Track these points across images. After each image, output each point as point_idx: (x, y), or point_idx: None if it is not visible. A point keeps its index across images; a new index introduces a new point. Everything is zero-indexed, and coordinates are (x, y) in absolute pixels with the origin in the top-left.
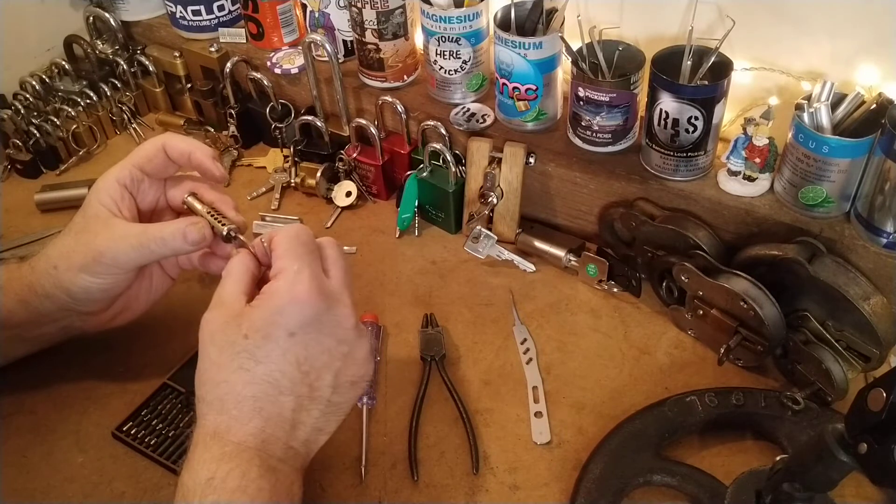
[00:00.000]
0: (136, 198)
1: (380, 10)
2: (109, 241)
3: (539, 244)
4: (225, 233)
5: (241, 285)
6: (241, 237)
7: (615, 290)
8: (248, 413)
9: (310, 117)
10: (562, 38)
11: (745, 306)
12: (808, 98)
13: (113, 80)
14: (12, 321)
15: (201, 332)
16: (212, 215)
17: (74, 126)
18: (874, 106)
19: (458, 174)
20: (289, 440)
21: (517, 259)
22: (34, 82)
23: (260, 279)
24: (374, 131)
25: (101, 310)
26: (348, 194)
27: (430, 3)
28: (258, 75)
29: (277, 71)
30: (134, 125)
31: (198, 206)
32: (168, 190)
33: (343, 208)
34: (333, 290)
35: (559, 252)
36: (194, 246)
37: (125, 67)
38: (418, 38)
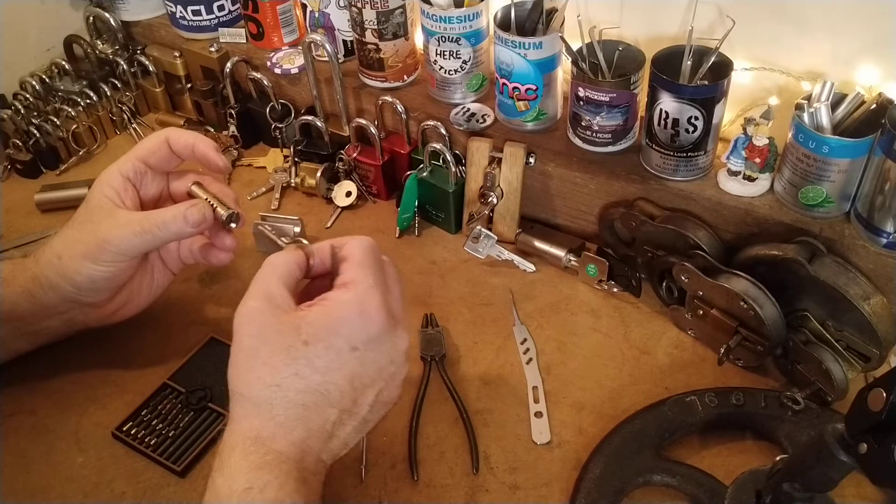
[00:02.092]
0: (140, 190)
1: (380, 10)
2: (113, 228)
3: (539, 244)
4: (224, 216)
5: (290, 281)
6: (302, 240)
7: (615, 290)
8: (293, 421)
9: (310, 117)
10: (562, 38)
11: (745, 306)
12: (808, 98)
13: (113, 80)
14: (16, 313)
15: (242, 321)
16: (212, 204)
17: (74, 126)
18: (874, 106)
19: (458, 174)
20: (321, 452)
21: (517, 259)
22: (34, 82)
23: (304, 287)
24: (374, 131)
25: (103, 301)
26: (348, 194)
27: (430, 3)
28: (258, 75)
29: (277, 71)
30: (134, 125)
31: (200, 192)
32: (171, 182)
33: (343, 208)
34: (397, 312)
35: (559, 252)
36: (195, 227)
37: (125, 67)
38: (418, 38)
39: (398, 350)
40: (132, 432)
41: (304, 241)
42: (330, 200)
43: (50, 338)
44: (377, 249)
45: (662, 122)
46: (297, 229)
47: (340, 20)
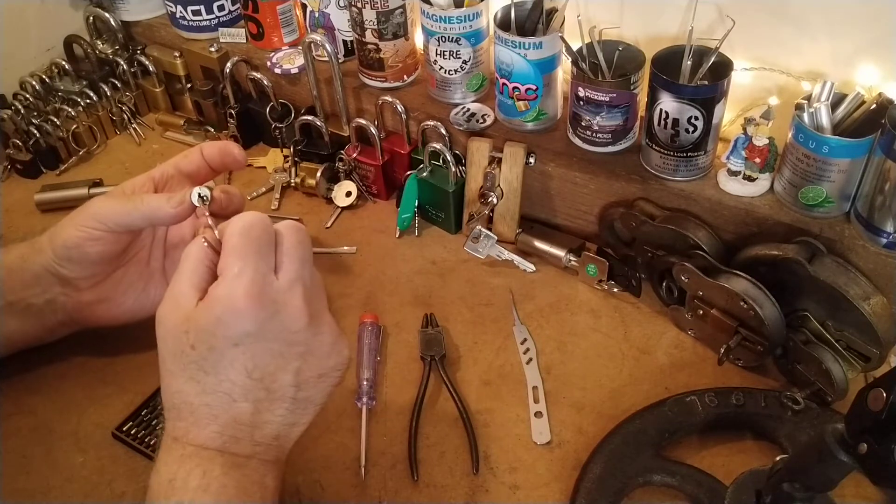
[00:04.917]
0: (161, 192)
1: (380, 10)
2: (101, 200)
3: (539, 244)
4: (193, 193)
5: (194, 276)
6: (209, 217)
7: (615, 290)
8: (204, 420)
9: (310, 117)
10: (562, 38)
11: (745, 306)
12: (808, 98)
13: (113, 80)
14: (10, 281)
15: (157, 329)
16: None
17: (74, 126)
18: (874, 106)
19: (458, 174)
20: (254, 438)
21: (517, 259)
22: (34, 82)
23: None
24: (374, 131)
25: (80, 279)
26: (348, 194)
27: (430, 3)
28: (258, 75)
29: (277, 71)
30: (134, 125)
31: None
32: None
33: (343, 208)
34: (278, 292)
35: (559, 252)
36: (174, 208)
37: (125, 67)
38: (418, 38)
39: (291, 331)
40: (132, 432)
41: (210, 222)
42: (330, 200)
43: (38, 324)
44: (257, 225)
45: (662, 122)
46: (206, 194)
47: (340, 20)
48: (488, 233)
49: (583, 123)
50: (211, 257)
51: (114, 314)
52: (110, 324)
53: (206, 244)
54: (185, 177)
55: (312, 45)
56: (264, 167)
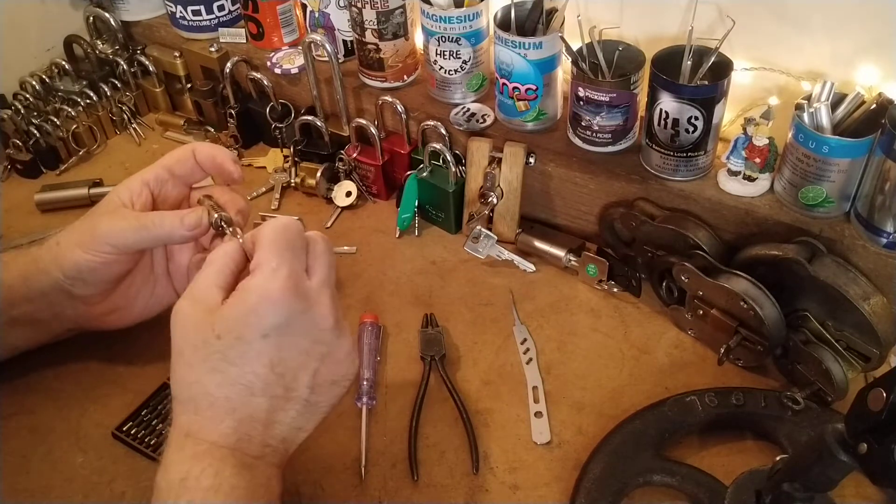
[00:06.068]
0: (158, 198)
1: (380, 10)
2: (110, 220)
3: (539, 244)
4: (214, 220)
5: (220, 277)
6: (233, 228)
7: (615, 290)
8: (220, 414)
9: (310, 117)
10: (562, 38)
11: (745, 306)
12: (808, 98)
13: (113, 80)
14: (11, 297)
15: (173, 323)
16: (213, 209)
17: (74, 126)
18: (874, 106)
19: (458, 174)
20: (265, 438)
21: (517, 259)
22: (34, 82)
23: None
24: (374, 131)
25: (92, 297)
26: (348, 194)
27: (430, 3)
28: (258, 75)
29: (277, 71)
30: (134, 125)
31: (205, 200)
32: (192, 195)
33: (343, 208)
34: (311, 290)
35: (559, 252)
36: (189, 230)
37: (125, 67)
38: (418, 38)
39: (319, 329)
40: (132, 432)
41: (234, 228)
42: (330, 200)
43: (44, 335)
44: (292, 228)
45: (662, 122)
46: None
47: (340, 20)
48: (488, 233)
49: (583, 123)
50: (237, 262)
51: (123, 321)
52: (119, 328)
53: (241, 242)
54: (179, 179)
55: (312, 45)
56: (264, 167)
